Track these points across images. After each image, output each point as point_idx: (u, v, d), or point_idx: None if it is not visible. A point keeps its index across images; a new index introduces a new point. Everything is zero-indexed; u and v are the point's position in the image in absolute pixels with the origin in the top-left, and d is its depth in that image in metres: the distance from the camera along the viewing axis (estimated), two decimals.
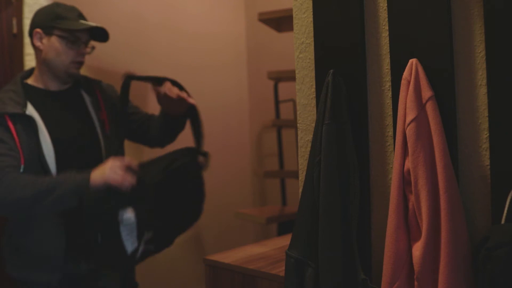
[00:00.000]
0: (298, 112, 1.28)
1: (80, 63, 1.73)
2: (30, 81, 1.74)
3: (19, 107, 1.61)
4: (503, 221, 0.96)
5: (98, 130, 1.78)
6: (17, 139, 1.58)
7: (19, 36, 2.02)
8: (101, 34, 1.76)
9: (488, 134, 1.02)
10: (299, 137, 1.28)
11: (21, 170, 1.54)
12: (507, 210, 0.95)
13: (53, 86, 1.73)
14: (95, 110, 1.80)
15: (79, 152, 1.71)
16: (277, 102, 2.84)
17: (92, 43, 1.77)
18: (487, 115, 1.02)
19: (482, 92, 1.02)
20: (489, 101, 1.01)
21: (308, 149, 1.20)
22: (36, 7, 2.01)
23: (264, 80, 2.79)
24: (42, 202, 1.49)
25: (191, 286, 2.51)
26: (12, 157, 1.54)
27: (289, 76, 2.49)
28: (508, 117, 0.98)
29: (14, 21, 2.00)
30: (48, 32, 1.67)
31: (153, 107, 1.90)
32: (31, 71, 1.75)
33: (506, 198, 0.96)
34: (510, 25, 0.97)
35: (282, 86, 2.81)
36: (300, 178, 1.25)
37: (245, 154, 3.10)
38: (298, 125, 1.28)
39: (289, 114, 2.82)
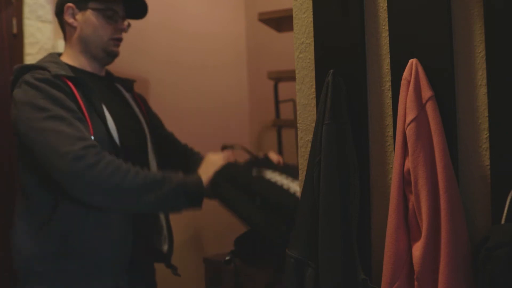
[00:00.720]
0: (298, 112, 1.27)
1: (119, 40, 1.57)
2: (63, 60, 1.54)
3: (71, 74, 1.43)
4: (503, 221, 0.96)
5: (145, 127, 1.63)
6: (82, 105, 1.39)
7: (19, 36, 2.02)
8: (137, 10, 1.63)
9: (488, 134, 1.02)
10: (299, 137, 1.28)
11: None
12: (507, 210, 0.95)
13: (90, 68, 1.57)
14: (138, 107, 1.66)
15: (132, 137, 1.54)
16: (277, 102, 2.83)
17: (128, 21, 1.64)
18: (487, 115, 1.02)
19: (482, 92, 1.02)
20: (489, 101, 1.01)
21: (308, 149, 1.20)
22: (36, 7, 2.01)
23: (264, 80, 2.79)
24: (153, 194, 1.30)
25: (191, 286, 2.51)
26: (87, 130, 1.35)
27: (289, 76, 2.49)
28: (508, 117, 0.98)
29: (14, 21, 2.00)
30: (81, 6, 1.51)
31: (154, 107, 1.90)
32: (58, 53, 1.59)
33: (506, 198, 0.96)
34: (510, 25, 0.97)
35: (282, 86, 2.81)
36: (300, 178, 1.25)
37: (245, 154, 3.10)
38: (298, 125, 1.28)
39: (289, 114, 2.82)
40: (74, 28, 1.53)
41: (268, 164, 1.63)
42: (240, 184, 1.46)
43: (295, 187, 1.44)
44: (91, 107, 1.42)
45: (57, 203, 1.38)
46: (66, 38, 1.57)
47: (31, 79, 1.38)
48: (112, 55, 1.57)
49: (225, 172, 1.49)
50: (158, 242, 1.58)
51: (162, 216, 1.59)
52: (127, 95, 1.66)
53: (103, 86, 1.57)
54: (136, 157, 1.51)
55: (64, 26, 1.56)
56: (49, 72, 1.41)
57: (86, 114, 1.38)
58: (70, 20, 1.52)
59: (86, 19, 1.51)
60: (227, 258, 1.56)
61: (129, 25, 1.62)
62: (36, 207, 1.41)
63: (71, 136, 1.29)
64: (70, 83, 1.41)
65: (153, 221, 1.58)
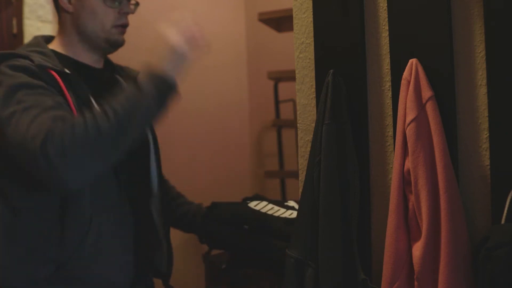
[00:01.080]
0: (298, 112, 1.27)
1: (125, 27, 1.32)
2: (54, 47, 1.28)
3: (59, 67, 1.19)
4: (503, 221, 0.96)
5: (149, 135, 1.37)
6: (70, 101, 1.17)
7: (19, 36, 2.01)
8: None
9: (488, 134, 1.01)
10: (299, 137, 1.28)
11: None
12: (507, 210, 0.95)
13: (87, 59, 1.30)
14: None
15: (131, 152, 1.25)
16: (277, 102, 2.84)
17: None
18: (487, 115, 1.01)
19: (482, 92, 1.02)
20: (489, 101, 1.01)
21: (308, 149, 1.20)
22: (36, 7, 2.01)
23: (264, 80, 2.79)
24: (134, 119, 1.09)
25: (191, 286, 2.51)
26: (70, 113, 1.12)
27: (289, 76, 2.49)
28: (508, 117, 0.98)
29: (14, 21, 2.00)
30: None
31: None
32: (50, 37, 1.33)
33: (506, 198, 0.96)
34: (510, 25, 0.97)
35: (282, 86, 2.81)
36: (300, 178, 1.25)
37: (245, 154, 3.10)
38: (298, 125, 1.28)
39: (289, 114, 2.82)
40: (71, 14, 1.27)
41: (256, 198, 1.70)
42: (227, 218, 1.52)
43: (281, 212, 1.49)
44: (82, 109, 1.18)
45: (50, 229, 1.17)
46: (59, 23, 1.31)
47: (5, 68, 1.15)
48: (116, 45, 1.32)
49: (212, 212, 1.54)
50: (157, 260, 1.40)
51: (160, 233, 1.38)
52: None
53: (100, 83, 1.32)
54: (136, 166, 1.33)
55: (58, 9, 1.31)
56: (31, 62, 1.16)
57: (74, 111, 1.16)
58: (65, 5, 1.26)
59: (84, 3, 1.25)
60: (224, 266, 1.58)
61: (137, 4, 1.37)
62: (25, 229, 1.19)
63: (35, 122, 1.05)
64: (57, 76, 1.17)
65: (154, 239, 1.38)
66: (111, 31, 1.28)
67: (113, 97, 1.13)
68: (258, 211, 1.52)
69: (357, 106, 1.15)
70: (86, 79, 1.26)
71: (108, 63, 1.41)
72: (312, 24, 1.23)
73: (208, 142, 2.72)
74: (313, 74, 1.23)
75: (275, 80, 2.76)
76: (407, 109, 1.02)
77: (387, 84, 1.14)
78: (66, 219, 1.17)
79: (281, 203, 1.61)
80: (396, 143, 1.05)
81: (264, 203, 1.58)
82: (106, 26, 1.27)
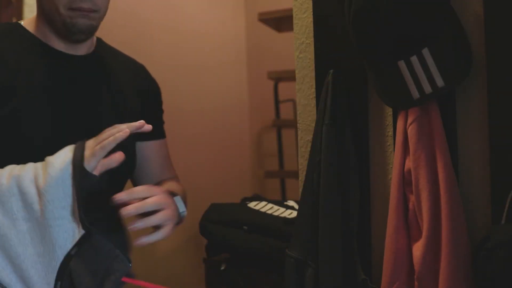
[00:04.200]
0: (298, 112, 1.28)
1: (81, 10, 1.08)
2: (30, 28, 1.18)
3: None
4: (503, 221, 0.96)
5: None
6: None
7: None
8: None
9: (488, 134, 1.01)
10: (299, 137, 1.28)
11: None
12: (507, 210, 0.95)
13: (57, 44, 1.16)
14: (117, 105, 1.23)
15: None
16: (277, 102, 2.84)
17: None
18: (487, 115, 1.01)
19: (482, 92, 1.02)
20: (489, 101, 1.00)
21: (308, 149, 1.20)
22: (36, 7, 2.01)
23: (264, 80, 2.79)
24: None
25: (191, 286, 2.51)
26: None
27: (289, 76, 2.49)
28: (508, 117, 0.98)
29: (14, 21, 2.00)
30: None
31: None
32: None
33: (506, 198, 0.96)
34: (510, 25, 0.97)
35: (282, 86, 2.81)
36: (300, 178, 1.25)
37: (245, 154, 3.10)
38: (298, 125, 1.28)
39: (289, 114, 2.82)
40: None
41: (255, 198, 1.76)
42: (225, 218, 1.58)
43: (281, 211, 1.53)
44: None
45: None
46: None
47: None
48: (74, 30, 1.11)
49: (210, 213, 1.62)
50: None
51: None
52: (119, 85, 1.24)
53: (76, 70, 1.16)
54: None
55: None
56: None
57: None
58: None
59: None
60: (223, 267, 1.61)
61: None
62: None
63: None
64: None
65: None
66: (67, 14, 1.09)
67: None
68: (257, 211, 1.53)
69: (357, 106, 1.15)
70: (57, 66, 1.14)
71: (101, 47, 1.26)
72: (312, 24, 1.23)
73: (208, 142, 2.72)
74: (313, 74, 1.23)
75: (275, 80, 2.76)
76: (408, 109, 1.02)
77: None
78: None
79: (280, 203, 1.61)
80: (396, 143, 1.05)
81: (264, 203, 1.59)
82: (59, 9, 1.09)
